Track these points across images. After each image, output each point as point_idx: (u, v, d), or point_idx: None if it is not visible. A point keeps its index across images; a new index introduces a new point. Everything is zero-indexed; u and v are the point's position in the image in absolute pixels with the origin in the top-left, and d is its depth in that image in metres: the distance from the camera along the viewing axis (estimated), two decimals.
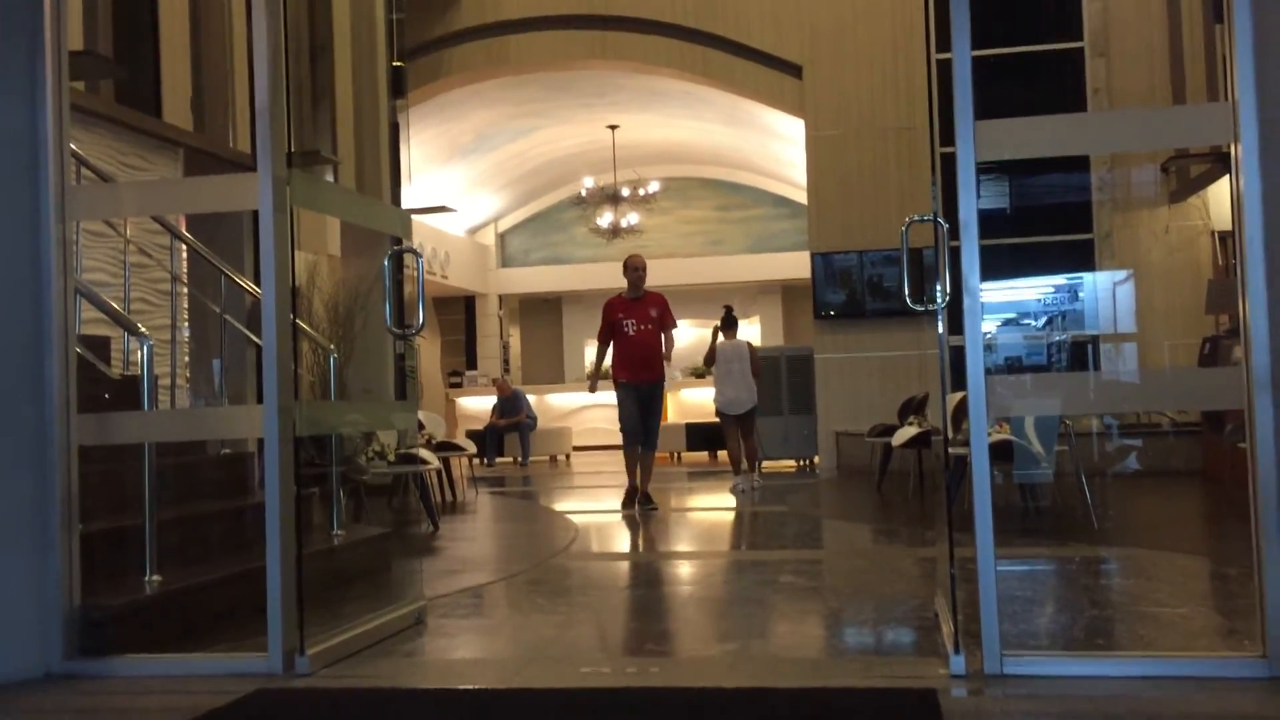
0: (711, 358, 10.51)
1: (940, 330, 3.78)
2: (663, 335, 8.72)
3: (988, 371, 3.44)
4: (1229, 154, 3.38)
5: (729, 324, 10.63)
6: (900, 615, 4.52)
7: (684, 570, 6.25)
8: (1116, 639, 4.05)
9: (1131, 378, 6.87)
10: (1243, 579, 4.33)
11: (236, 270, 6.12)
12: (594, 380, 9.29)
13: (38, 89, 3.67)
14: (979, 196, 3.51)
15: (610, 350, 8.86)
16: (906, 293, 4.07)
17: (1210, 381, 4.21)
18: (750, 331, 19.85)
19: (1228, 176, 3.40)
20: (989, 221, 3.49)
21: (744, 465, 10.39)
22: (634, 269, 8.78)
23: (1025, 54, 11.40)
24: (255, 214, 3.71)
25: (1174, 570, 5.37)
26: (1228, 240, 9.71)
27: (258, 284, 3.68)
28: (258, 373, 7.76)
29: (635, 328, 8.62)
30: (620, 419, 8.68)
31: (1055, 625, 4.36)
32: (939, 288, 3.70)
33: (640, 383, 8.58)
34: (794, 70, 12.76)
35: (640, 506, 8.62)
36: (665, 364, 8.78)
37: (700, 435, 16.02)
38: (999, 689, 3.21)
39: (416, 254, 4.44)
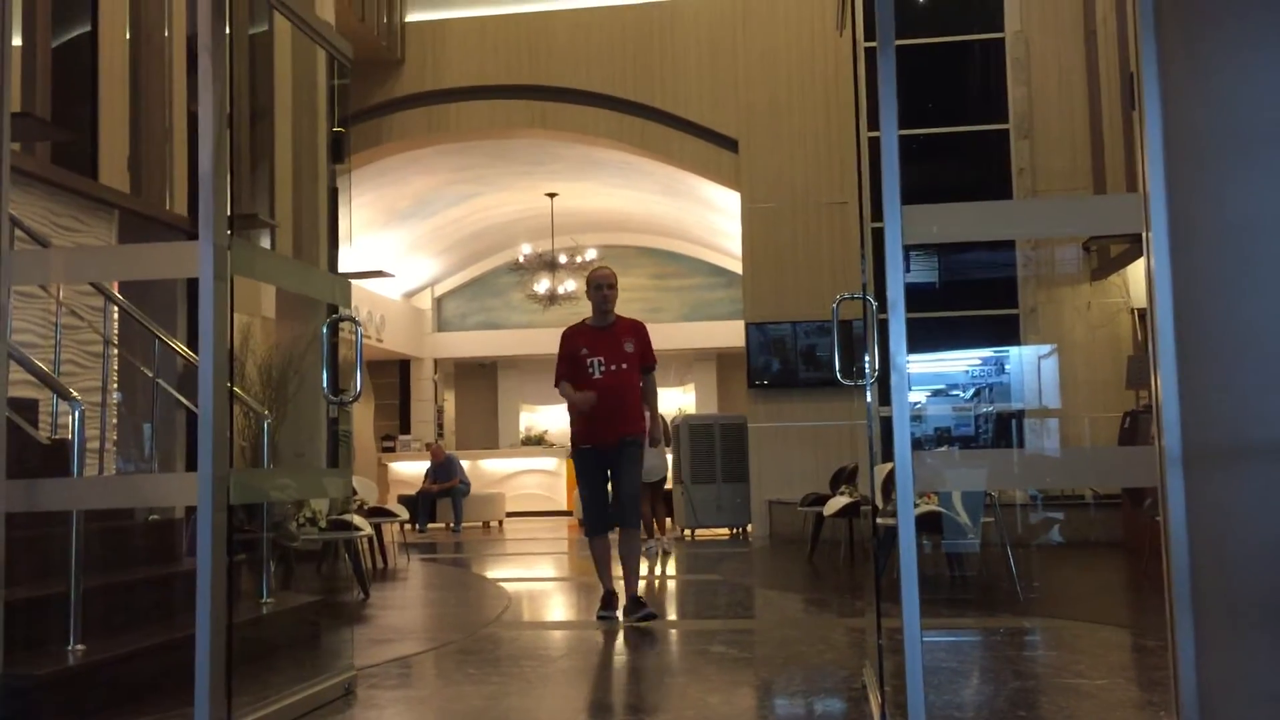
0: None
1: (869, 401, 3.89)
2: (642, 378, 6.55)
3: (916, 443, 3.54)
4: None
5: None
6: (830, 686, 4.57)
7: (616, 640, 6.24)
8: (1039, 711, 4.13)
9: (1054, 454, 7.06)
10: (1160, 651, 4.45)
11: (168, 332, 6.09)
12: (586, 399, 6.38)
13: None
14: (908, 271, 3.64)
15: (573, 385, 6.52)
16: (837, 368, 4.19)
17: (1126, 460, 4.35)
18: (685, 399, 19.99)
19: (1144, 257, 3.55)
20: (919, 295, 3.63)
21: (655, 530, 11.17)
22: (600, 285, 6.55)
23: (953, 134, 11.78)
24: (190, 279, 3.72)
25: (1095, 642, 5.49)
26: (1146, 317, 10.04)
27: (190, 347, 3.69)
28: (187, 435, 7.73)
29: (603, 367, 6.38)
30: (581, 498, 6.67)
31: (980, 696, 4.43)
32: (868, 364, 3.81)
33: (605, 445, 6.36)
34: (730, 144, 13.04)
35: (628, 616, 6.26)
36: (646, 416, 6.58)
37: None
38: None
39: (355, 321, 4.47)
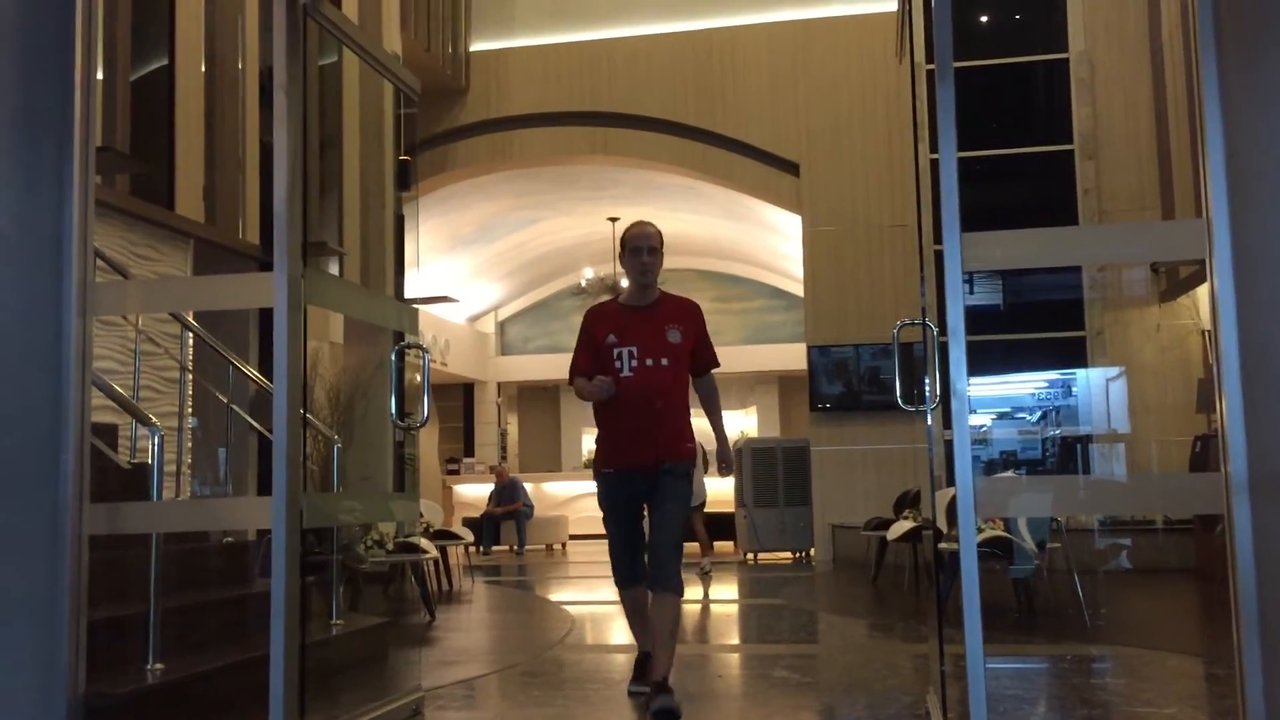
0: None
1: (929, 425, 3.90)
2: (695, 380, 4.88)
3: (982, 466, 3.54)
4: None
5: None
6: (893, 713, 4.56)
7: (679, 663, 6.27)
8: None
9: (1119, 479, 6.97)
10: (1230, 679, 4.39)
11: (240, 358, 6.26)
12: (603, 386, 4.68)
13: (65, 188, 3.82)
14: (971, 294, 3.66)
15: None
16: (898, 393, 4.21)
17: (1192, 486, 4.31)
18: (747, 422, 19.96)
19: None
20: (982, 317, 3.64)
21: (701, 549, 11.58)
22: (638, 248, 4.77)
23: (1017, 155, 11.70)
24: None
25: (1164, 670, 5.41)
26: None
27: (262, 372, 3.80)
28: (259, 460, 7.90)
29: (635, 361, 4.65)
30: (607, 536, 4.90)
31: None
32: (928, 390, 3.83)
33: (637, 471, 4.68)
34: (791, 168, 13.06)
35: (654, 701, 4.40)
36: (690, 437, 4.80)
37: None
38: None
39: (423, 349, 4.57)
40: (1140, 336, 11.49)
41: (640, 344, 4.67)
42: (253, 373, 5.87)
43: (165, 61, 8.05)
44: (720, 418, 5.03)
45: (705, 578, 11.00)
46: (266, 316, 8.07)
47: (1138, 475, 9.83)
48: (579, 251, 18.16)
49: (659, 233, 4.89)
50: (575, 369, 4.86)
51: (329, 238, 9.89)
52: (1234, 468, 3.32)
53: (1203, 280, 10.17)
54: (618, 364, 4.67)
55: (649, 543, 4.71)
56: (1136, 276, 11.59)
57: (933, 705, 3.98)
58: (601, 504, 4.87)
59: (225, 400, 6.04)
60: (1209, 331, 10.97)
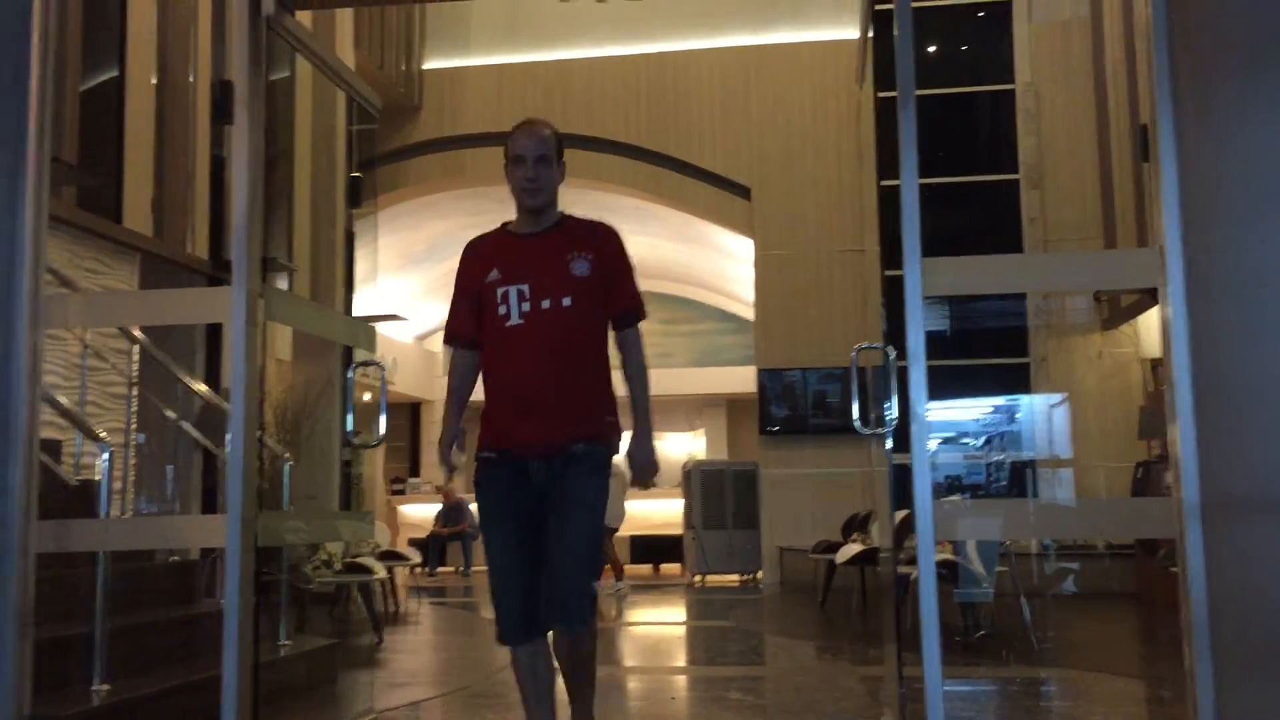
0: None
1: (889, 448, 3.93)
2: (612, 332, 3.58)
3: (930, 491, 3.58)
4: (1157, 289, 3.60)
5: None
6: None
7: (630, 685, 6.25)
8: None
9: (1069, 503, 7.06)
10: (1174, 701, 4.46)
11: (187, 372, 6.16)
12: (444, 453, 3.61)
13: (18, 201, 3.75)
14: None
15: (467, 366, 3.63)
16: (855, 415, 4.24)
17: (1144, 511, 4.38)
18: (695, 444, 20.00)
19: (1156, 307, 3.61)
20: (930, 342, 3.66)
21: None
22: (520, 158, 3.70)
23: (964, 184, 11.87)
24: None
25: (1110, 692, 5.48)
26: (1157, 367, 10.08)
27: (210, 386, 3.74)
28: (203, 476, 7.77)
29: (527, 305, 3.44)
30: (488, 560, 3.53)
31: None
32: (887, 412, 3.86)
33: (528, 454, 3.42)
34: (743, 192, 13.15)
35: None
36: (610, 409, 3.51)
37: (644, 548, 15.99)
38: None
39: (379, 365, 4.53)
40: (1083, 364, 11.68)
41: (533, 280, 3.36)
42: (203, 389, 5.79)
43: (115, 72, 7.94)
44: (644, 393, 3.46)
45: (620, 600, 11.20)
46: (213, 331, 8.00)
47: (1089, 499, 9.97)
48: None
49: (555, 135, 3.66)
50: (450, 331, 3.54)
51: (279, 253, 9.79)
52: (1186, 493, 3.38)
53: (1145, 309, 10.40)
54: (503, 309, 3.35)
55: (550, 561, 3.23)
56: (1080, 305, 11.80)
57: None
58: (480, 508, 3.44)
59: (175, 416, 5.93)
60: (1150, 360, 11.15)
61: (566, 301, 3.38)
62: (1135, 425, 10.47)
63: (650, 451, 3.50)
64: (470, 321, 3.51)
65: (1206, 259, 3.46)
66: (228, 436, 3.63)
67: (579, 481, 3.33)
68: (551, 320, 3.36)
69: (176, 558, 5.73)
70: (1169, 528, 3.45)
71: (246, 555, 3.60)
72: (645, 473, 3.52)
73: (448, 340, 3.60)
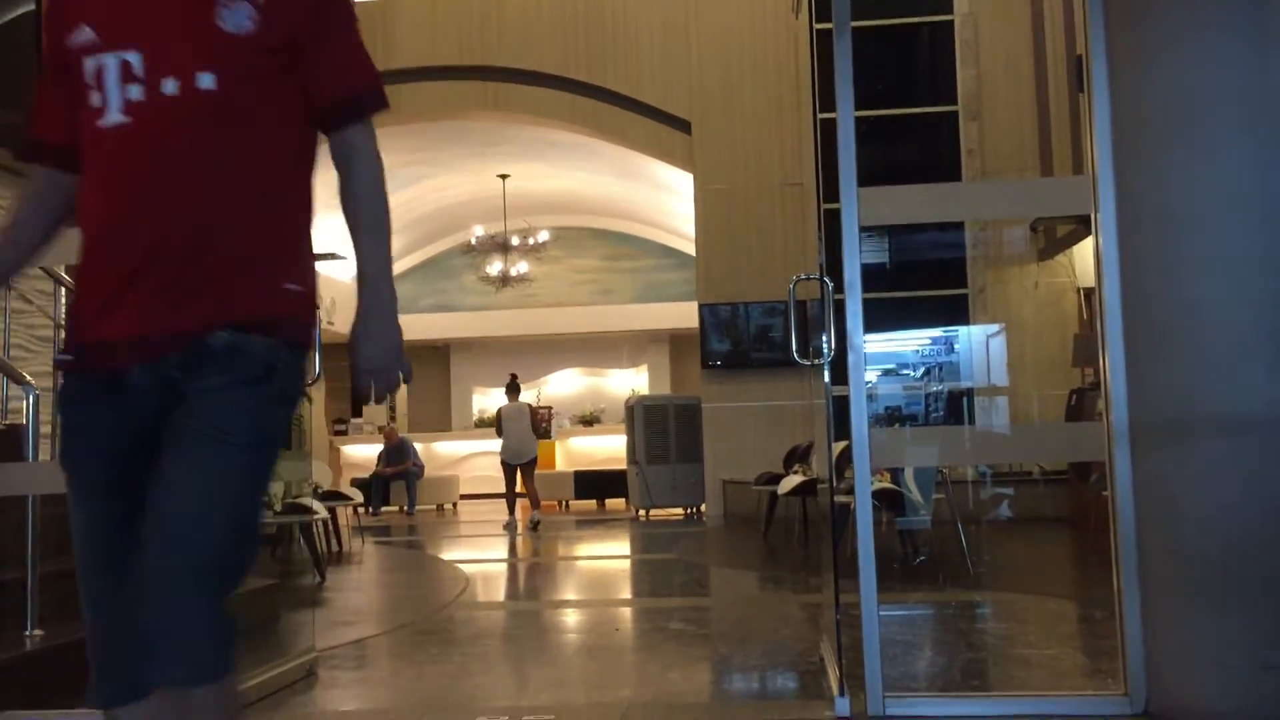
0: (499, 419, 12.63)
1: (825, 380, 3.95)
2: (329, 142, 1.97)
3: (869, 421, 3.61)
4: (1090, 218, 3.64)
5: (513, 389, 12.89)
6: (787, 660, 4.65)
7: (575, 619, 6.30)
8: (991, 680, 4.24)
9: (1004, 431, 7.17)
10: (1106, 621, 4.57)
11: None
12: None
13: None
14: (861, 254, 3.70)
15: (45, 191, 1.98)
16: (794, 348, 4.25)
17: (1075, 435, 4.47)
18: (639, 380, 20.05)
19: (1090, 237, 3.65)
20: (869, 275, 3.68)
21: (517, 509, 12.42)
22: None
23: (902, 116, 11.87)
24: None
25: (1044, 614, 5.62)
26: (1092, 296, 10.23)
27: None
28: None
29: (135, 84, 1.81)
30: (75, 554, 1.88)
31: (934, 668, 4.53)
32: (825, 343, 3.87)
33: (121, 354, 1.80)
34: (683, 125, 13.05)
35: None
36: (286, 270, 1.93)
37: (588, 483, 16.07)
38: None
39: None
40: (1019, 294, 11.82)
41: (148, 42, 1.86)
42: None
43: (32, 6, 7.66)
44: (378, 240, 2.03)
45: (533, 532, 11.68)
46: None
47: (1022, 425, 10.14)
48: (469, 209, 17.91)
49: None
50: (28, 136, 2.01)
51: None
52: (1115, 417, 3.45)
53: (1079, 239, 10.53)
54: (96, 97, 1.86)
55: (139, 563, 1.75)
56: (1016, 235, 11.91)
57: (827, 652, 4.07)
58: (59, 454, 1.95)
59: None
60: (1085, 289, 11.28)
61: (206, 80, 1.84)
62: (1069, 353, 10.64)
63: (386, 339, 1.92)
64: (51, 109, 1.98)
65: (1137, 188, 3.49)
66: None
67: (212, 401, 1.79)
68: (178, 114, 1.83)
69: None
70: (1099, 450, 3.52)
71: None
72: (379, 376, 1.93)
73: (22, 154, 2.01)
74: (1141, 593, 3.38)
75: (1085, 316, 11.28)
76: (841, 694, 3.48)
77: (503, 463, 12.52)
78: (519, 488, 12.41)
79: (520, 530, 11.80)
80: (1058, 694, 3.66)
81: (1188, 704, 3.27)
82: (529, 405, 13.09)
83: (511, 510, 12.41)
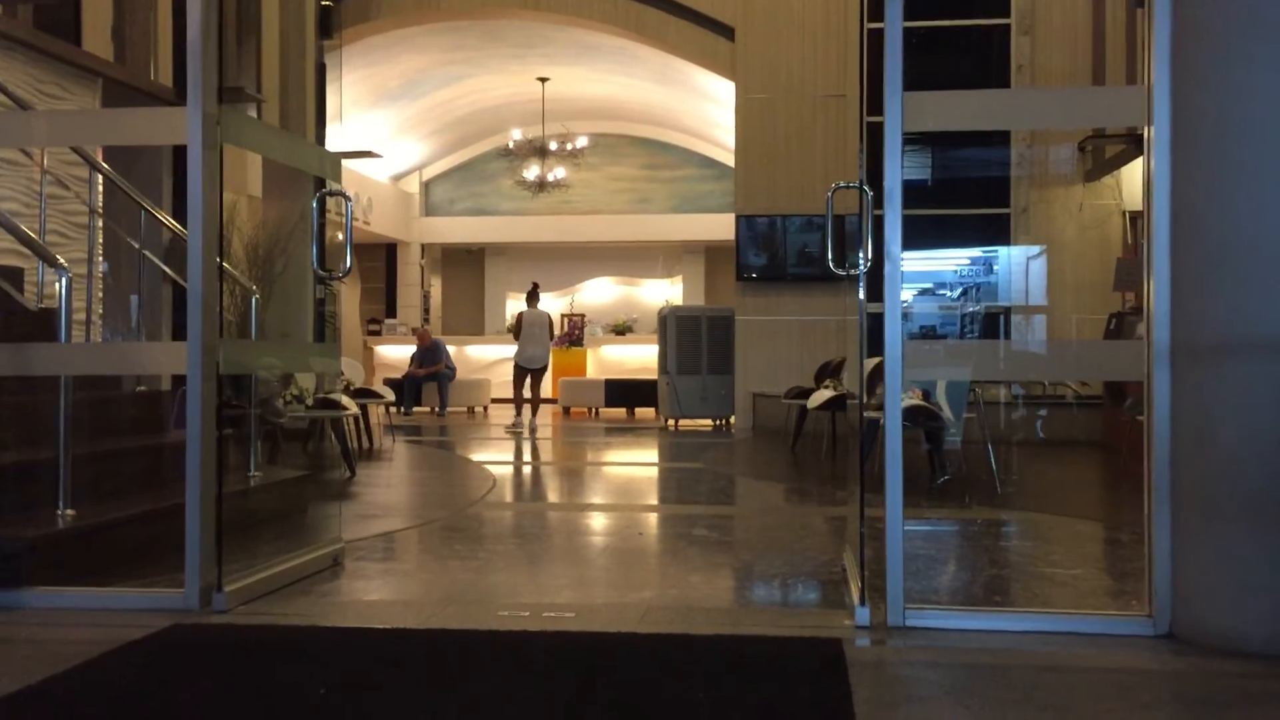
0: (518, 324, 13.24)
1: (860, 296, 3.89)
2: None
3: (904, 338, 3.55)
4: (1143, 136, 3.52)
5: (533, 297, 13.64)
6: (810, 570, 4.66)
7: (600, 522, 6.33)
8: (1013, 597, 4.22)
9: (1040, 348, 7.07)
10: (1133, 544, 4.54)
11: (153, 204, 6.01)
12: None
13: None
14: (903, 168, 3.61)
15: None
16: (829, 257, 4.18)
17: (1113, 354, 4.39)
18: (673, 290, 19.98)
19: (1140, 159, 3.54)
20: (910, 192, 3.59)
21: (526, 411, 12.95)
22: None
23: (952, 28, 11.57)
24: (175, 148, 3.67)
25: (1070, 534, 5.59)
26: (1138, 220, 10.02)
27: (176, 219, 3.65)
28: (173, 309, 7.69)
29: None
30: None
31: (956, 582, 4.53)
32: (861, 254, 3.80)
33: None
34: (727, 32, 12.78)
35: None
36: None
37: (619, 392, 16.10)
38: (900, 640, 3.34)
39: (346, 197, 4.42)
40: (1063, 215, 11.61)
41: None
42: (166, 218, 5.66)
43: None
44: None
45: (532, 435, 12.19)
46: (180, 161, 7.80)
47: (1058, 341, 9.99)
48: (507, 111, 17.72)
49: None
50: None
51: (247, 83, 9.49)
52: (1157, 337, 3.37)
53: (1129, 160, 10.28)
54: None
55: None
56: (1063, 155, 11.65)
57: (849, 563, 4.06)
58: None
59: (137, 246, 5.81)
60: (1131, 212, 11.02)
61: None
62: (1111, 277, 10.46)
63: None
64: None
65: (1194, 103, 3.37)
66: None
67: None
68: None
69: (144, 388, 5.69)
70: (1138, 371, 3.45)
71: (208, 382, 3.57)
72: None
73: None
74: (1172, 514, 3.34)
75: (1130, 241, 11.07)
76: (862, 604, 3.49)
77: (516, 366, 13.13)
78: (525, 392, 13.07)
79: (525, 433, 12.25)
80: (1080, 613, 3.65)
81: (1211, 627, 3.24)
82: (547, 314, 13.64)
83: (519, 412, 12.87)
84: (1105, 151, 10.91)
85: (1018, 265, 11.95)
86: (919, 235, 11.69)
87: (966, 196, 11.85)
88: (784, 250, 12.69)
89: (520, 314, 13.38)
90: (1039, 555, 5.04)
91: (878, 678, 3.06)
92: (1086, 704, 2.82)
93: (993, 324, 11.39)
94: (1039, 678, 3.03)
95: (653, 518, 6.57)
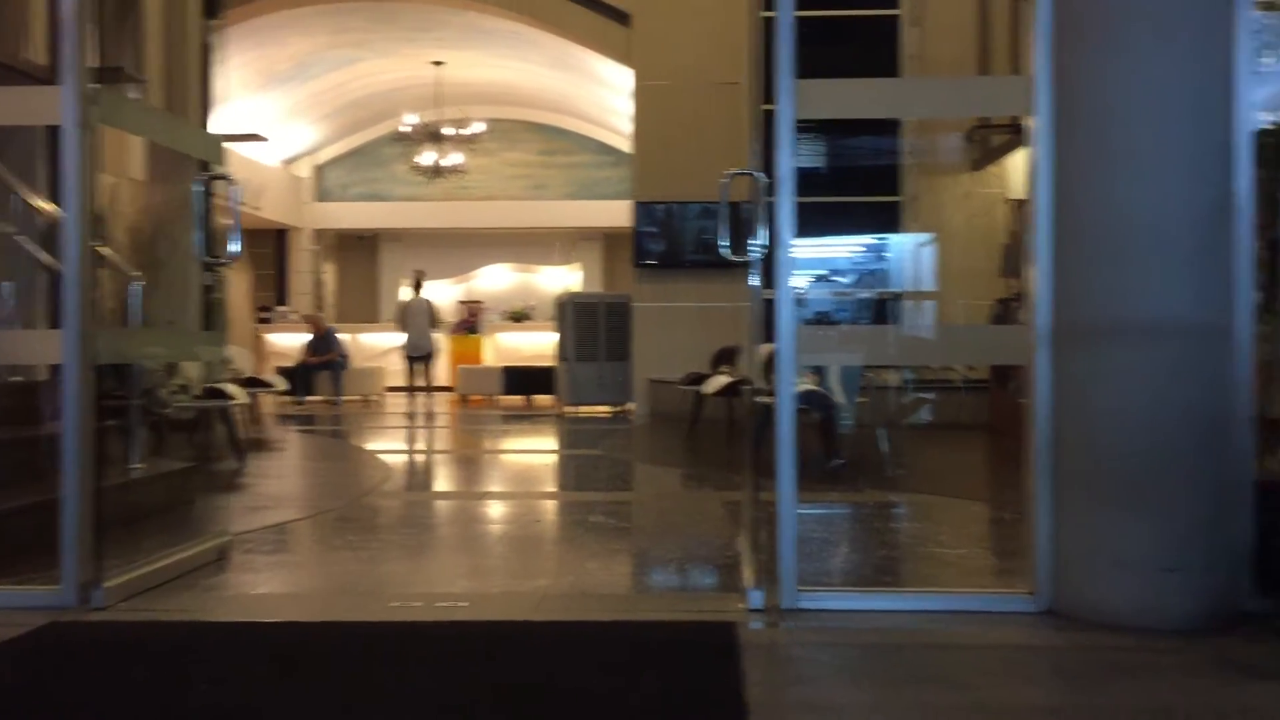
0: (402, 313, 14.03)
1: (755, 282, 3.92)
2: None
3: (798, 324, 3.59)
4: (1026, 126, 3.60)
5: (416, 285, 14.52)
6: (705, 554, 4.70)
7: (496, 510, 6.30)
8: (903, 577, 4.31)
9: (930, 334, 7.20)
10: (1018, 524, 4.66)
11: (28, 188, 5.77)
12: None
13: None
14: (795, 156, 3.63)
15: None
16: (726, 244, 4.20)
17: (998, 338, 4.50)
18: (571, 278, 19.92)
19: (1024, 148, 3.63)
20: (804, 179, 3.62)
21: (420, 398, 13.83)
22: None
23: (844, 18, 11.71)
24: (50, 129, 3.53)
25: (958, 515, 5.73)
26: (1022, 208, 10.29)
27: (53, 203, 3.52)
28: (50, 298, 7.40)
29: None
30: None
31: (847, 564, 4.60)
32: (756, 240, 3.83)
33: None
34: (622, 18, 12.76)
35: None
36: None
37: (516, 379, 16.01)
38: (793, 622, 3.39)
39: (229, 180, 4.30)
40: (951, 203, 11.87)
41: None
42: (39, 200, 5.45)
43: None
44: None
45: (429, 422, 12.30)
46: (55, 142, 7.51)
47: (947, 326, 10.21)
48: (400, 96, 17.46)
49: None
50: None
51: (127, 63, 9.16)
52: (1038, 320, 3.46)
53: (1014, 149, 10.54)
54: None
55: None
56: (951, 144, 11.90)
57: (744, 548, 4.10)
58: None
59: (11, 232, 5.59)
60: (1015, 200, 11.29)
61: None
62: (998, 264, 10.73)
63: None
64: None
65: (1074, 92, 3.46)
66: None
67: None
68: None
69: (19, 378, 5.48)
70: (1021, 354, 3.54)
71: (85, 371, 3.45)
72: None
73: None
74: (1053, 494, 3.43)
75: (1015, 228, 11.36)
76: (756, 587, 3.52)
77: (405, 355, 13.97)
78: (417, 380, 13.97)
79: (420, 421, 12.37)
80: (965, 591, 3.74)
81: (1090, 603, 3.35)
82: (428, 301, 14.48)
83: (412, 399, 13.69)
84: (991, 141, 11.17)
85: (909, 252, 12.18)
86: (812, 222, 11.80)
87: (859, 184, 12.02)
88: (681, 237, 12.74)
89: (403, 303, 14.10)
90: (928, 536, 5.16)
91: (771, 660, 3.10)
92: (973, 679, 2.89)
93: (884, 311, 11.60)
94: (927, 655, 3.10)
95: (550, 505, 6.56)
